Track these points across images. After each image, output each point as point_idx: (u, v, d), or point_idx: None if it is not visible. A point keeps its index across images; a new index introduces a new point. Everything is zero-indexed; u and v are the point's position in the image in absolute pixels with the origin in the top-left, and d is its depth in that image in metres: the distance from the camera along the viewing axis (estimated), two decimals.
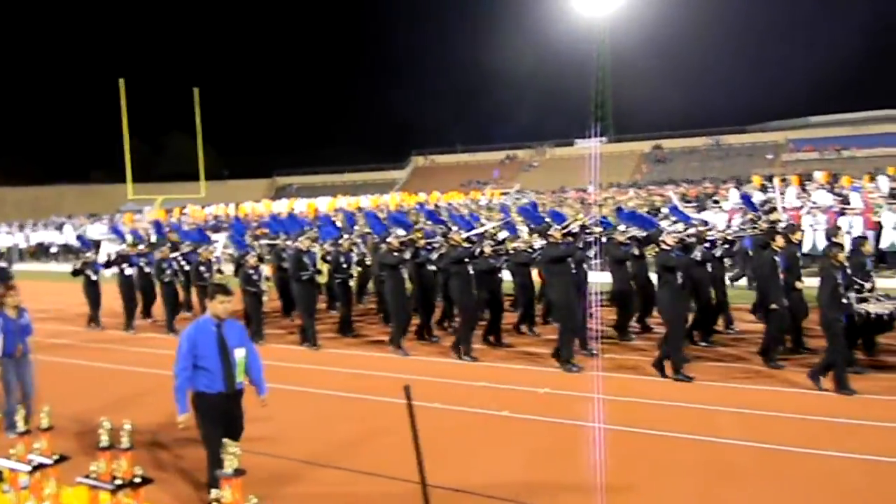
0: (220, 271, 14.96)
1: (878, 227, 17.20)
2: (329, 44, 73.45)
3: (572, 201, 29.63)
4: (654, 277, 10.64)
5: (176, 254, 14.70)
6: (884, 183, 23.00)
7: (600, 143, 58.34)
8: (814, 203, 18.82)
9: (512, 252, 12.15)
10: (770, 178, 29.78)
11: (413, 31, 78.28)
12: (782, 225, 10.83)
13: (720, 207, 20.92)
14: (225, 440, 3.90)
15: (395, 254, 11.55)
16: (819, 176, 26.96)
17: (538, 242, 11.94)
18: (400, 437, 6.90)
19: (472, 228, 13.35)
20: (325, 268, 13.05)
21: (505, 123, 65.15)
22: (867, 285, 9.22)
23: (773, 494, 5.85)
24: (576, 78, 62.05)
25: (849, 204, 18.39)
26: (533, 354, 10.91)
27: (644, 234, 11.73)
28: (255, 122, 68.80)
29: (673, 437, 7.17)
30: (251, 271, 12.56)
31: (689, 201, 24.07)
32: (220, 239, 20.78)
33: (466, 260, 10.89)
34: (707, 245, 10.50)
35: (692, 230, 10.57)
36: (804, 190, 22.36)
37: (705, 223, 12.45)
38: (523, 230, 14.92)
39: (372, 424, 7.91)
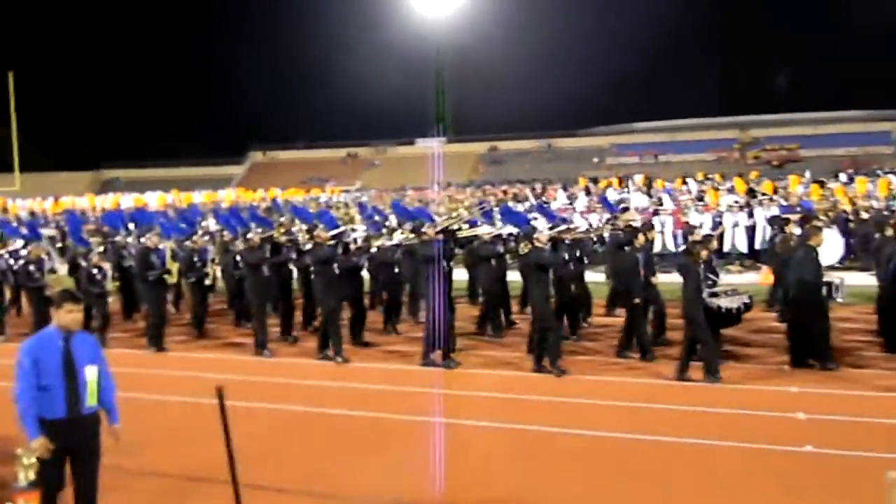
0: (52, 270, 13.73)
1: (686, 227, 18.71)
2: (162, 29, 69.75)
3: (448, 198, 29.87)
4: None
5: (2, 251, 13.50)
6: (693, 186, 25.16)
7: (440, 143, 59.54)
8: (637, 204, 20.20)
9: (376, 250, 12.16)
10: (595, 181, 31.82)
11: (251, 24, 76.07)
12: (636, 224, 11.52)
13: (574, 208, 21.99)
14: (18, 451, 3.62)
15: (258, 251, 11.23)
16: (638, 179, 29.10)
17: (397, 239, 12.02)
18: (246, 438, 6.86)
19: (337, 226, 13.25)
20: (174, 267, 12.36)
21: (347, 121, 64.84)
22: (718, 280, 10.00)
23: (654, 484, 6.10)
24: (416, 77, 62.92)
25: (662, 205, 19.95)
26: (400, 353, 10.92)
27: (503, 232, 12.19)
28: (79, 110, 64.04)
29: (544, 431, 7.41)
30: (94, 270, 11.73)
31: (520, 201, 25.09)
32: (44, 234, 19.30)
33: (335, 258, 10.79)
34: (568, 243, 10.87)
35: (562, 228, 11.08)
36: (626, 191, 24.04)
37: (564, 220, 13.08)
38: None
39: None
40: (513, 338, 11.51)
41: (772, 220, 15.59)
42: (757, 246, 18.05)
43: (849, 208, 19.51)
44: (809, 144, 49.62)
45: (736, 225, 18.36)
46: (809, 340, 9.26)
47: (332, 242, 11.09)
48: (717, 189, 23.49)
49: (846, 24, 62.30)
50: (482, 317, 11.89)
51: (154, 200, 31.90)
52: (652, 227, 11.40)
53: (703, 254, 9.02)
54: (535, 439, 7.29)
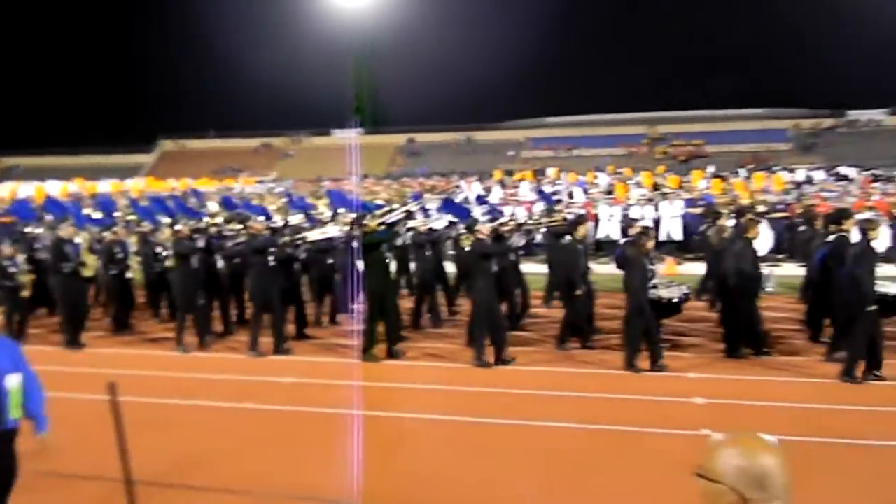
0: None
1: (596, 219, 19.26)
2: (66, 11, 66.51)
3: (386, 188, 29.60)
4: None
5: None
6: (603, 179, 25.88)
7: (357, 134, 59.10)
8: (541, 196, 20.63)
9: (311, 242, 12.04)
10: (510, 173, 32.33)
11: (161, 7, 73.45)
12: (571, 216, 11.81)
13: (517, 200, 22.24)
14: None
15: (188, 242, 10.90)
16: (551, 172, 29.73)
17: (334, 231, 11.95)
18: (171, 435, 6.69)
19: (269, 216, 13.02)
20: (91, 259, 11.89)
21: (261, 110, 63.53)
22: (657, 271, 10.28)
23: (592, 474, 6.36)
24: (333, 67, 62.14)
25: (572, 198, 20.48)
26: (339, 347, 10.89)
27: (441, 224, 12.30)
28: None
29: (484, 423, 7.57)
30: (7, 262, 11.22)
31: (438, 194, 25.28)
32: None
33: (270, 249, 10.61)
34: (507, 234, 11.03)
35: (504, 219, 11.18)
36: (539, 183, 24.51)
37: (500, 213, 13.22)
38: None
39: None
40: (448, 329, 11.75)
41: (705, 213, 16.19)
42: (661, 238, 18.75)
43: (748, 202, 20.49)
44: (714, 140, 51.65)
45: (642, 218, 19.02)
46: (745, 329, 9.65)
47: (266, 232, 10.91)
48: (625, 182, 24.25)
49: (750, 26, 65.14)
50: (416, 309, 12.02)
51: (56, 189, 30.53)
52: (586, 219, 11.68)
53: (649, 245, 9.29)
54: (470, 430, 7.41)
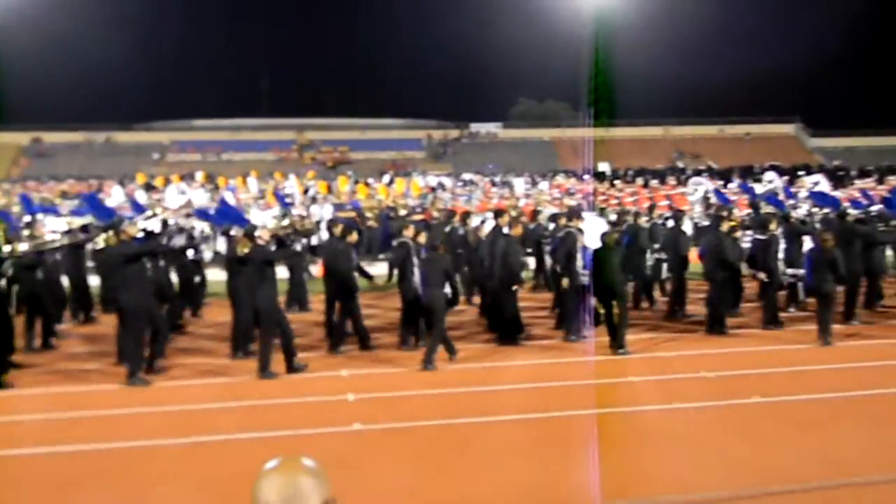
0: None
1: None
2: None
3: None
4: None
5: None
6: (253, 184, 25.99)
7: None
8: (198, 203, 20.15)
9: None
10: (153, 177, 30.77)
11: None
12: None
13: (163, 206, 20.80)
14: None
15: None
16: (199, 176, 28.98)
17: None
18: None
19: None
20: None
21: None
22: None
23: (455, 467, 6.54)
24: None
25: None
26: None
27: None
28: None
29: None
30: None
31: (72, 198, 23.22)
32: None
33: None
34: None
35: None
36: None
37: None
38: None
39: None
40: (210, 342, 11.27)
41: (450, 214, 17.00)
42: (314, 242, 19.51)
43: (392, 204, 22.26)
44: (358, 148, 54.49)
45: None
46: (503, 319, 10.96)
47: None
48: (276, 188, 24.66)
49: (390, 44, 69.83)
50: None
51: None
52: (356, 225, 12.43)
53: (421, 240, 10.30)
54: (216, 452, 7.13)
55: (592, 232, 13.73)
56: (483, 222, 13.65)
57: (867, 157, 44.83)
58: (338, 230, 11.15)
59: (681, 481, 6.23)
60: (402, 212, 20.99)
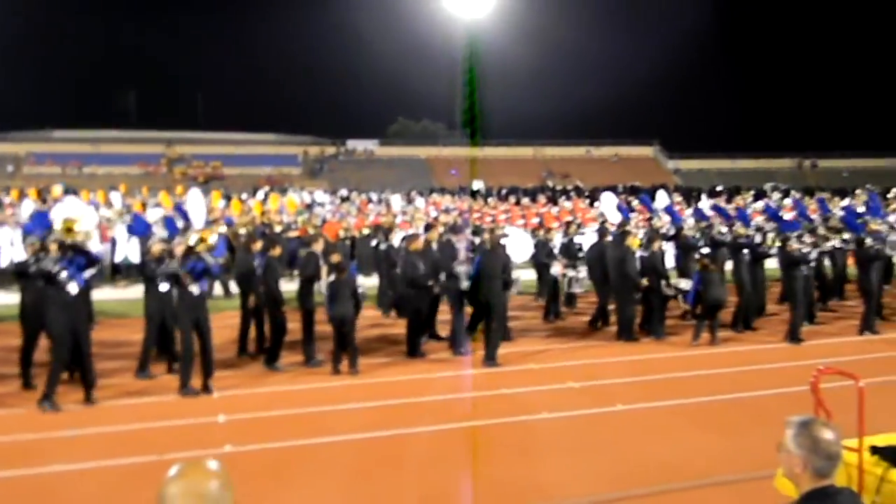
0: None
1: (113, 242, 18.58)
2: None
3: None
4: None
5: None
6: (118, 199, 24.91)
7: None
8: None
9: None
10: (7, 190, 28.82)
11: None
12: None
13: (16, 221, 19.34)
14: None
15: None
16: (57, 190, 27.40)
17: None
18: None
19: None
20: None
21: None
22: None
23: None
24: None
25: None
26: None
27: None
28: None
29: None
30: None
31: None
32: None
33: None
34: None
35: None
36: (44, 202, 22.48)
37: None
38: None
39: None
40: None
41: (375, 228, 17.28)
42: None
43: (267, 221, 21.85)
44: (231, 163, 53.14)
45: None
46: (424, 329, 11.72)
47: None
48: (144, 204, 23.70)
49: (267, 55, 68.61)
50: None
51: None
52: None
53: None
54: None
55: (517, 246, 14.43)
56: (405, 238, 13.75)
57: (716, 178, 48.31)
58: (257, 245, 11.05)
59: (540, 489, 6.57)
60: (278, 228, 20.66)
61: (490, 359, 10.66)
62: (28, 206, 22.05)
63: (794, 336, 12.15)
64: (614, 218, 18.48)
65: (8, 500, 6.24)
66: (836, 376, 5.02)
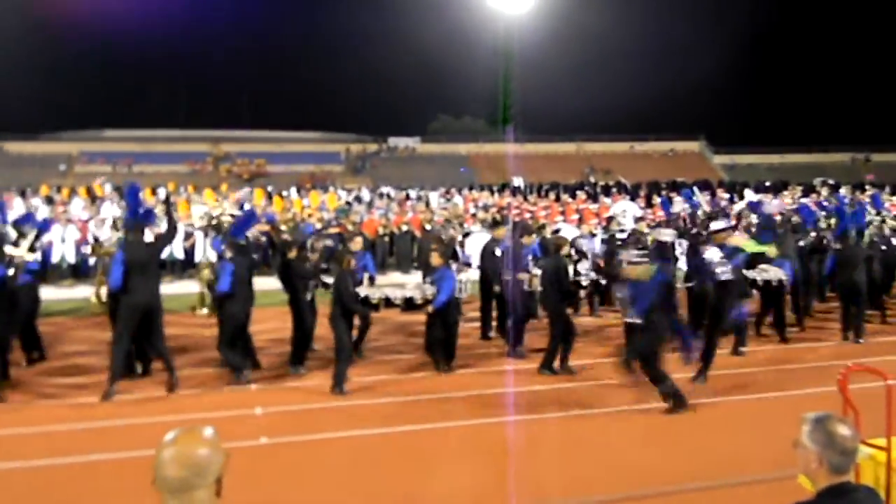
0: None
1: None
2: None
3: None
4: None
5: None
6: (162, 196, 25.43)
7: None
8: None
9: None
10: (58, 189, 29.72)
11: None
12: None
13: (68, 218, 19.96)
14: None
15: None
16: (108, 188, 28.13)
17: None
18: None
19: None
20: None
21: None
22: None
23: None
24: None
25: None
26: None
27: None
28: None
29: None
30: None
31: None
32: None
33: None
34: None
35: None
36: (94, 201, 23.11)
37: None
38: None
39: None
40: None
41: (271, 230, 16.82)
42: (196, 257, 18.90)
43: (313, 219, 22.14)
44: (275, 160, 53.93)
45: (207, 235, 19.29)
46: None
47: None
48: (188, 201, 24.18)
49: (309, 55, 69.40)
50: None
51: None
52: None
53: (353, 263, 9.62)
54: None
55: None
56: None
57: (765, 174, 47.34)
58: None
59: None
60: (318, 225, 20.89)
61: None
62: (78, 204, 22.69)
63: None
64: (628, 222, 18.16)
65: (63, 487, 6.44)
66: (865, 374, 4.92)
